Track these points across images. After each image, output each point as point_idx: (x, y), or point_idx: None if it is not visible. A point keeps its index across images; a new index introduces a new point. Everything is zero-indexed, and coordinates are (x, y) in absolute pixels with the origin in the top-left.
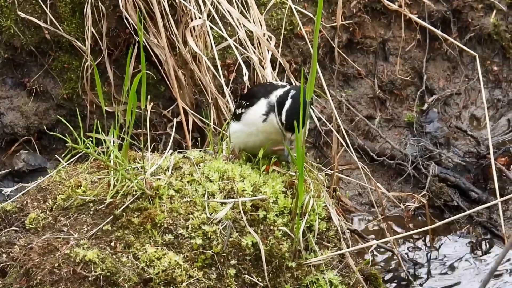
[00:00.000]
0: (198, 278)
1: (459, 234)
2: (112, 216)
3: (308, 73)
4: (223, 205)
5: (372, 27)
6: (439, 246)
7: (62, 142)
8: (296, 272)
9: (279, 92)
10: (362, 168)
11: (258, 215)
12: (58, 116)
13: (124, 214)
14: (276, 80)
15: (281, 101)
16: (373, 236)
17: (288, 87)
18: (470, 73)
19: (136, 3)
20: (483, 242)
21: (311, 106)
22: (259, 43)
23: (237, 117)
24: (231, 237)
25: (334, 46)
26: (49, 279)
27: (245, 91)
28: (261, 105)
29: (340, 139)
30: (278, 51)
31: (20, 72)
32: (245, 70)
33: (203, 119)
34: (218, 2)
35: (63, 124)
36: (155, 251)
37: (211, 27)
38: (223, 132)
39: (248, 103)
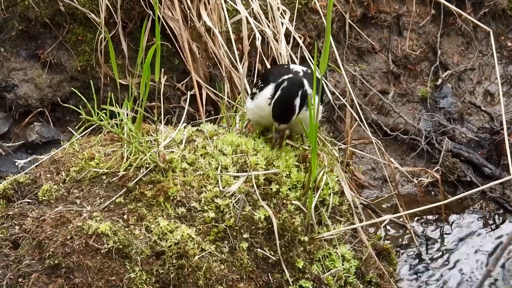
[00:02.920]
0: (210, 252)
1: (472, 210)
2: (125, 189)
3: (322, 47)
4: (236, 178)
5: (387, 2)
6: (452, 222)
7: (75, 114)
8: (308, 246)
9: (284, 78)
10: (375, 143)
11: (271, 189)
12: (72, 88)
13: (137, 186)
14: (294, 63)
15: (275, 89)
16: (386, 211)
17: (293, 75)
18: (484, 49)
19: None
20: (496, 218)
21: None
22: (273, 16)
23: (251, 96)
24: (244, 210)
25: (348, 20)
26: (62, 251)
27: (264, 70)
28: (269, 89)
29: (354, 113)
30: (292, 25)
31: (34, 44)
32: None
33: (217, 92)
34: None
35: (77, 96)
36: (168, 224)
37: (225, 1)
38: (237, 105)
39: (262, 85)
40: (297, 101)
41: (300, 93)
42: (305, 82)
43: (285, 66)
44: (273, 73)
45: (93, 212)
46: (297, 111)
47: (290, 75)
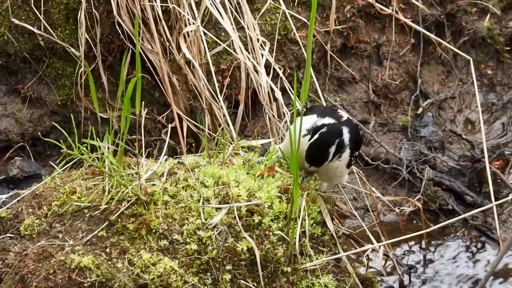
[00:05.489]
0: (193, 284)
1: (454, 238)
2: (107, 222)
3: (302, 78)
4: (218, 210)
5: (366, 32)
6: (435, 250)
7: (56, 148)
8: (291, 277)
9: (325, 122)
10: (357, 172)
11: (253, 220)
12: (52, 122)
13: (119, 220)
14: (336, 107)
15: (314, 131)
16: (368, 240)
17: (336, 120)
18: (464, 77)
19: (129, 9)
20: (478, 246)
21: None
22: (253, 48)
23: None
24: (226, 242)
25: (328, 50)
26: (45, 286)
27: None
28: (311, 119)
29: None
30: (272, 56)
31: (14, 79)
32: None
33: (198, 124)
34: (213, 4)
35: (57, 131)
36: (150, 257)
37: (204, 33)
38: (218, 137)
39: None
40: (332, 149)
41: (337, 141)
42: (345, 131)
43: (334, 108)
44: (319, 108)
45: (75, 246)
46: (330, 158)
47: (332, 121)
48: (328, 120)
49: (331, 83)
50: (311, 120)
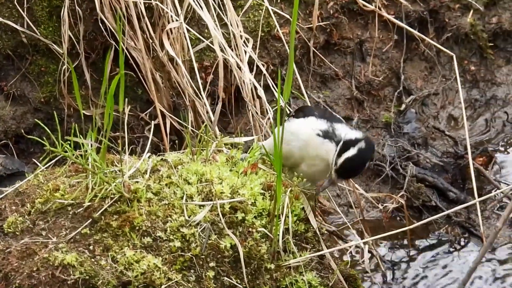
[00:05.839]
0: (177, 281)
1: (438, 234)
2: (90, 220)
3: (285, 75)
4: (202, 207)
5: (349, 28)
6: (418, 247)
7: (40, 146)
8: (275, 274)
9: (358, 137)
10: None
11: (237, 217)
12: (35, 119)
13: (103, 217)
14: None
15: (348, 143)
16: (352, 237)
17: (364, 135)
18: (447, 73)
19: (112, 6)
20: (462, 242)
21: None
22: (236, 45)
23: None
24: (210, 239)
25: (311, 47)
26: (28, 283)
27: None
28: (318, 123)
29: None
30: (255, 53)
31: None
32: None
33: (181, 121)
34: (196, 1)
35: (40, 128)
36: (134, 254)
37: (188, 30)
38: (201, 134)
39: (299, 115)
40: (367, 164)
41: (371, 156)
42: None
43: (327, 110)
44: (311, 109)
45: (59, 243)
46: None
47: (358, 134)
48: (351, 131)
49: (314, 79)
50: (316, 122)
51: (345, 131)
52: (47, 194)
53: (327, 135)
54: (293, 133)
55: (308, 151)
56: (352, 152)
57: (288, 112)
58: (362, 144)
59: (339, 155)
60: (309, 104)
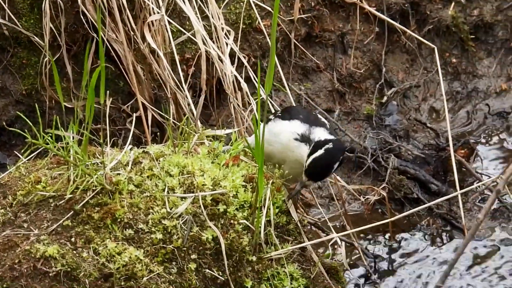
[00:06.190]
0: (158, 273)
1: (419, 227)
2: (72, 212)
3: (267, 67)
4: (183, 199)
5: (331, 20)
6: (400, 239)
7: (21, 138)
8: (256, 266)
9: (327, 138)
10: None
11: (218, 209)
12: (17, 112)
13: (84, 209)
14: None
15: (316, 147)
16: (334, 230)
17: (334, 137)
18: (429, 66)
19: None
20: (443, 234)
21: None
22: (218, 37)
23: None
24: (191, 231)
25: (293, 39)
26: (10, 275)
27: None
28: (299, 126)
29: None
30: (236, 45)
31: None
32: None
33: (163, 114)
34: None
35: (22, 120)
36: (116, 246)
37: (169, 22)
38: (182, 126)
39: (284, 116)
40: (335, 165)
41: (341, 158)
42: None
43: (314, 113)
44: (297, 110)
45: (40, 235)
46: (332, 174)
47: (332, 137)
48: (325, 134)
49: (295, 72)
50: (298, 126)
51: (320, 134)
52: (29, 186)
53: (304, 138)
54: (275, 134)
55: (288, 154)
56: (319, 153)
57: (274, 111)
58: (329, 145)
59: (308, 157)
60: (290, 97)
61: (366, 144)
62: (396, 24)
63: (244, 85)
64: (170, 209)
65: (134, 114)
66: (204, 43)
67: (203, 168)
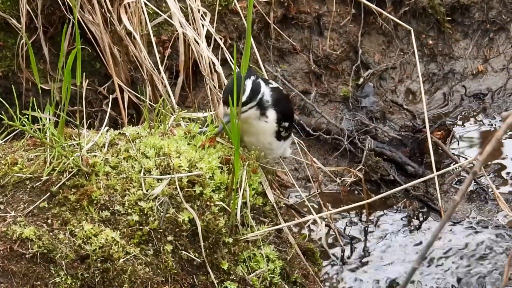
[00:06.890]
0: (135, 255)
1: (396, 209)
2: (48, 193)
3: (243, 49)
4: (159, 181)
5: (307, 2)
6: (376, 221)
7: None
8: (233, 248)
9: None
10: (298, 143)
11: (195, 191)
12: None
13: (61, 191)
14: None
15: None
16: (310, 211)
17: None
18: (405, 47)
19: None
20: (420, 216)
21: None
22: (194, 18)
23: None
24: (168, 213)
25: (269, 21)
26: None
27: None
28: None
29: None
30: (213, 27)
31: None
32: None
33: (139, 95)
34: None
35: None
36: (92, 228)
37: (145, 4)
38: (159, 108)
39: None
40: (248, 84)
41: (252, 78)
42: (265, 88)
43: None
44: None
45: (17, 217)
46: (245, 95)
47: (259, 78)
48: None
49: (272, 53)
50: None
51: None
52: (5, 168)
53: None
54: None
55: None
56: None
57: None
58: (253, 78)
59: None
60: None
61: (342, 125)
62: (372, 6)
63: (219, 67)
64: (147, 191)
65: (111, 95)
66: (180, 25)
67: (179, 150)
